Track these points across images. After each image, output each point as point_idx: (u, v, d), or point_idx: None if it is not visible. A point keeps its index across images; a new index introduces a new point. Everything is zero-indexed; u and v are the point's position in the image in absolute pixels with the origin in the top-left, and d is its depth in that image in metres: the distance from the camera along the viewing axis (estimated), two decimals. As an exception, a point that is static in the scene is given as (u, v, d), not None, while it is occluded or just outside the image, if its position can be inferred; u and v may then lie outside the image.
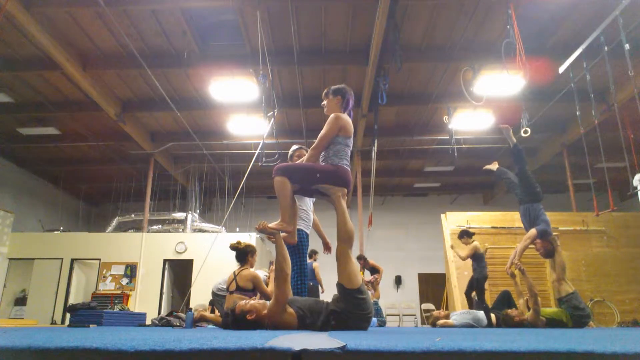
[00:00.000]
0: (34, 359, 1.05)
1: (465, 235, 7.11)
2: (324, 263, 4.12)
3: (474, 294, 6.66)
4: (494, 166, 6.40)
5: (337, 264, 2.94)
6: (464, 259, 6.87)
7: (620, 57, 6.22)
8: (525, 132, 8.00)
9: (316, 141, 3.22)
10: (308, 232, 4.15)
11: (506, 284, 7.65)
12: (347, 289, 2.83)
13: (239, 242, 4.74)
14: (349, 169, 3.23)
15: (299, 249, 3.92)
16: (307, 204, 4.21)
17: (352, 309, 2.78)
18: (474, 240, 7.01)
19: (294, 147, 4.42)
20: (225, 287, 5.29)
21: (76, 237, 11.66)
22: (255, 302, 2.99)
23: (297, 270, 3.89)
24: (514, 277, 6.06)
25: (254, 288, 4.56)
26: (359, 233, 11.35)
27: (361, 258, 9.22)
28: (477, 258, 6.83)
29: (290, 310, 2.84)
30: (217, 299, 5.51)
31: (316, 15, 7.46)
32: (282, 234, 3.11)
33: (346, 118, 3.27)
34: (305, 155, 4.32)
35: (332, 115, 3.25)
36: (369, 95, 8.80)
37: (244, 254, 4.73)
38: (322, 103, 3.44)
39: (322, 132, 3.20)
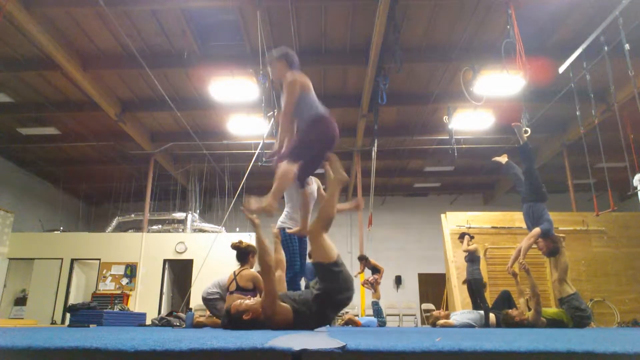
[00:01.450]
0: (34, 359, 1.05)
1: (466, 235, 7.15)
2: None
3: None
4: (503, 159, 6.38)
5: (310, 241, 2.91)
6: (464, 250, 6.94)
7: (620, 57, 6.22)
8: (525, 132, 7.99)
9: (283, 108, 3.18)
10: None
11: (506, 284, 7.65)
12: (323, 264, 2.81)
13: (240, 242, 4.75)
14: (327, 112, 3.18)
15: (290, 248, 3.94)
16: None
17: (331, 284, 2.79)
18: (473, 243, 7.07)
19: None
20: (215, 290, 5.33)
21: (76, 237, 11.66)
22: (250, 301, 2.96)
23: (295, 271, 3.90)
24: (515, 276, 6.06)
25: (254, 288, 4.56)
26: (359, 233, 11.35)
27: (362, 258, 9.20)
28: (473, 260, 6.87)
29: (284, 304, 2.82)
30: (208, 304, 5.45)
31: (316, 15, 7.47)
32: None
33: (300, 74, 3.21)
34: None
35: (287, 79, 3.18)
36: (369, 95, 8.81)
37: (245, 254, 4.73)
38: (267, 69, 3.42)
39: (285, 98, 3.15)
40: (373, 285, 8.59)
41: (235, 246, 4.70)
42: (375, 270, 8.85)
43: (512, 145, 10.71)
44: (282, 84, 3.29)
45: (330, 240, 2.91)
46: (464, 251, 6.97)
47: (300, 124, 3.19)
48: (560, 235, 5.96)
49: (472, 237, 7.21)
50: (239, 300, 3.02)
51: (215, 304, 5.32)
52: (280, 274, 3.30)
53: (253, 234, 11.23)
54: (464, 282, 7.05)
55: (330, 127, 3.12)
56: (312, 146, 3.10)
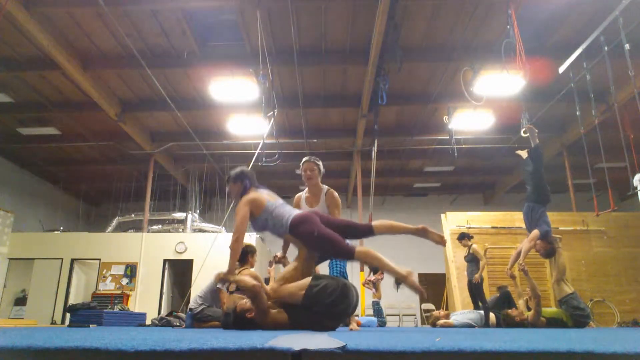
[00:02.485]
0: (34, 359, 1.05)
1: (465, 237, 7.14)
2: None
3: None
4: (525, 154, 6.38)
5: (275, 297, 2.96)
6: (480, 261, 6.82)
7: (620, 57, 6.22)
8: (525, 132, 8.00)
9: (235, 230, 3.15)
10: None
11: (506, 284, 7.66)
12: (304, 305, 2.82)
13: None
14: (297, 213, 3.13)
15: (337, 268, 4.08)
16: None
17: (324, 311, 2.79)
18: (472, 244, 7.05)
19: (305, 159, 4.18)
20: (197, 303, 5.41)
21: (76, 237, 11.66)
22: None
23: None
24: (514, 278, 6.07)
25: (253, 288, 4.56)
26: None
27: None
28: (473, 260, 6.86)
29: (281, 314, 2.88)
30: (197, 318, 5.44)
31: (316, 15, 7.46)
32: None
33: (251, 197, 3.22)
34: (315, 169, 4.08)
35: (237, 206, 3.23)
36: (369, 95, 8.80)
37: (244, 254, 4.74)
38: (227, 190, 3.45)
39: (236, 220, 3.16)
40: (375, 285, 8.58)
41: None
42: (377, 269, 8.84)
43: (512, 146, 10.71)
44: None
45: (290, 288, 2.89)
46: (478, 258, 6.87)
47: (285, 237, 3.19)
48: (557, 236, 5.97)
49: (471, 237, 7.20)
50: (245, 300, 3.08)
51: (205, 314, 5.37)
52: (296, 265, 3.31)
53: (253, 234, 11.25)
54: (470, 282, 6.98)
55: (305, 224, 3.03)
56: (312, 241, 3.05)
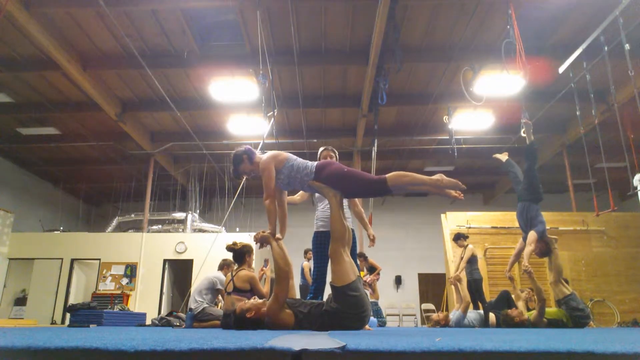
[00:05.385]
0: (34, 359, 1.05)
1: (460, 237, 7.14)
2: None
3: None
4: (504, 157, 6.36)
5: (330, 263, 2.96)
6: (465, 262, 6.88)
7: (620, 57, 6.22)
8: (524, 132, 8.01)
9: (264, 190, 3.16)
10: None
11: (506, 284, 7.66)
12: (337, 287, 2.82)
13: (234, 243, 4.72)
14: (316, 162, 3.23)
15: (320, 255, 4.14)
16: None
17: (345, 308, 2.76)
18: (468, 244, 7.04)
19: (323, 147, 4.42)
20: (197, 302, 5.43)
21: (76, 237, 11.66)
22: (254, 300, 3.02)
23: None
24: (512, 280, 6.06)
25: (250, 289, 4.56)
26: (359, 233, 11.34)
27: (361, 256, 9.18)
28: (471, 260, 6.86)
29: (289, 311, 2.85)
30: (198, 317, 5.42)
31: (316, 15, 7.46)
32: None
33: (271, 154, 3.27)
34: (333, 156, 4.29)
35: (260, 167, 3.23)
36: (369, 95, 8.80)
37: (241, 254, 4.73)
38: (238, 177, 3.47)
39: (263, 180, 3.18)
40: (371, 286, 8.58)
41: (230, 248, 4.68)
42: (373, 269, 8.85)
43: (512, 145, 10.72)
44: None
45: (348, 264, 2.89)
46: (465, 262, 6.89)
47: (308, 184, 3.18)
48: (553, 237, 5.95)
49: (466, 237, 7.20)
50: (244, 301, 3.08)
51: (205, 313, 5.37)
52: (290, 283, 3.31)
53: (252, 234, 11.25)
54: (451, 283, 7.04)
55: (330, 165, 3.15)
56: (341, 180, 3.08)
